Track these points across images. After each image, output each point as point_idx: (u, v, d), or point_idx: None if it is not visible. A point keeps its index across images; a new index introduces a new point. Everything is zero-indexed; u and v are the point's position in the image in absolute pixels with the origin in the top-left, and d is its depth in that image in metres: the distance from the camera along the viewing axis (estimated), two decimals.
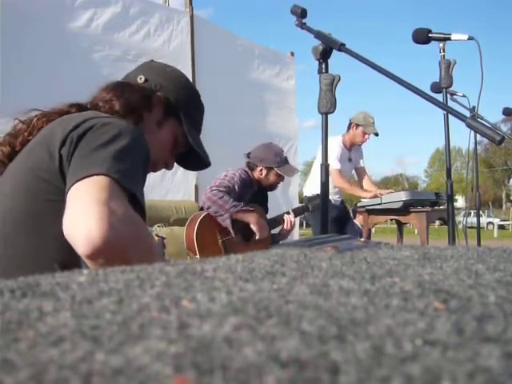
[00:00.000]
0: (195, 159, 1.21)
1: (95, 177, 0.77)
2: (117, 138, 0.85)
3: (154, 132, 1.09)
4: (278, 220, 2.67)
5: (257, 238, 2.45)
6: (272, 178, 2.62)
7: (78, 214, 0.74)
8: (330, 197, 3.64)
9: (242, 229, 2.46)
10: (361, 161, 3.96)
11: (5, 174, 0.96)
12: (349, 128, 3.73)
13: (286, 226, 2.63)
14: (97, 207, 0.72)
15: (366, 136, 3.67)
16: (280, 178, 2.64)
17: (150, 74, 1.14)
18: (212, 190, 2.32)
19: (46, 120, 0.99)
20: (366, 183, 3.94)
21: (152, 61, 1.21)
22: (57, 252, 0.85)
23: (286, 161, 2.66)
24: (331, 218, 3.39)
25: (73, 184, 0.78)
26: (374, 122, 3.64)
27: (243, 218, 2.38)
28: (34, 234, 0.87)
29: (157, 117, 1.12)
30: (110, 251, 0.71)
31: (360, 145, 3.79)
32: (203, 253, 2.29)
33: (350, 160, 3.78)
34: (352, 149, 3.79)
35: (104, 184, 0.77)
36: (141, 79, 1.12)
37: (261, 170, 2.60)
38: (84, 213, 0.73)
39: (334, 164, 3.53)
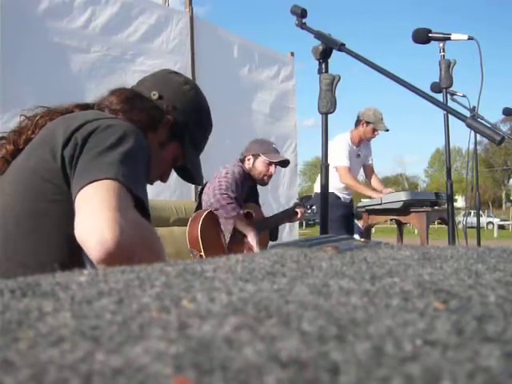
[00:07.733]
0: (188, 176, 1.20)
1: (104, 181, 0.77)
2: (122, 140, 0.85)
3: (154, 151, 1.06)
4: (291, 212, 2.87)
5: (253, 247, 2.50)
6: (259, 166, 2.64)
7: (90, 218, 0.74)
8: (340, 194, 3.65)
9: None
10: (369, 158, 3.94)
11: (7, 172, 0.95)
12: (357, 124, 3.68)
13: (301, 217, 2.89)
14: (108, 212, 0.72)
15: (376, 132, 3.67)
16: (268, 168, 2.65)
17: (166, 90, 1.10)
18: (222, 194, 2.34)
19: (48, 118, 0.98)
20: (374, 182, 3.92)
21: (170, 72, 1.17)
22: (58, 251, 0.85)
23: (274, 150, 2.70)
24: (338, 216, 3.41)
25: (82, 188, 0.77)
26: (383, 118, 3.62)
27: (243, 230, 2.42)
28: (35, 233, 0.87)
29: (161, 137, 1.09)
30: (123, 255, 0.72)
31: (369, 140, 3.78)
32: (207, 249, 2.31)
33: (358, 156, 3.77)
34: (361, 144, 3.76)
35: (113, 188, 0.77)
36: (154, 95, 1.08)
37: (248, 160, 2.65)
38: (96, 217, 0.73)
39: (344, 162, 3.53)
